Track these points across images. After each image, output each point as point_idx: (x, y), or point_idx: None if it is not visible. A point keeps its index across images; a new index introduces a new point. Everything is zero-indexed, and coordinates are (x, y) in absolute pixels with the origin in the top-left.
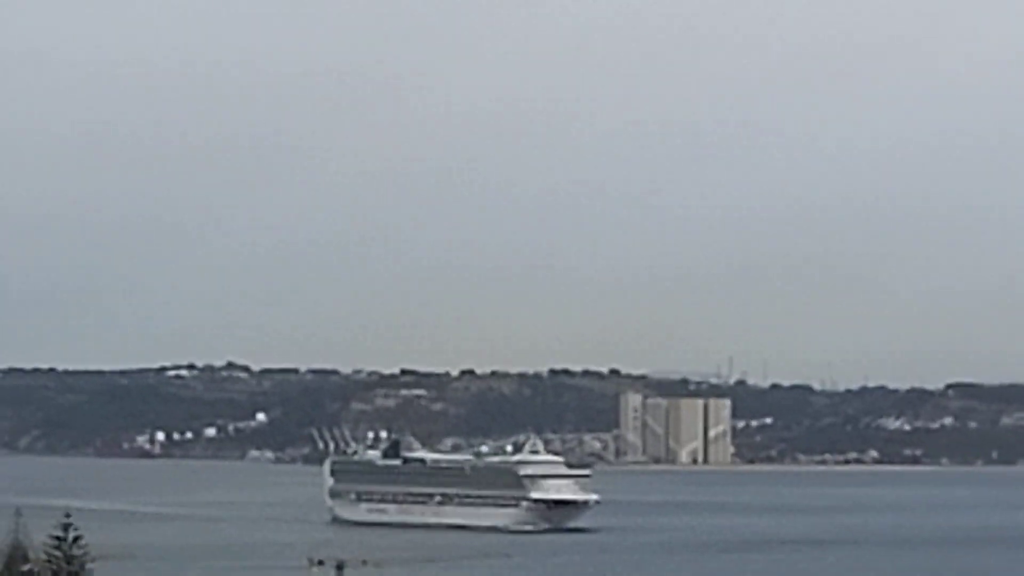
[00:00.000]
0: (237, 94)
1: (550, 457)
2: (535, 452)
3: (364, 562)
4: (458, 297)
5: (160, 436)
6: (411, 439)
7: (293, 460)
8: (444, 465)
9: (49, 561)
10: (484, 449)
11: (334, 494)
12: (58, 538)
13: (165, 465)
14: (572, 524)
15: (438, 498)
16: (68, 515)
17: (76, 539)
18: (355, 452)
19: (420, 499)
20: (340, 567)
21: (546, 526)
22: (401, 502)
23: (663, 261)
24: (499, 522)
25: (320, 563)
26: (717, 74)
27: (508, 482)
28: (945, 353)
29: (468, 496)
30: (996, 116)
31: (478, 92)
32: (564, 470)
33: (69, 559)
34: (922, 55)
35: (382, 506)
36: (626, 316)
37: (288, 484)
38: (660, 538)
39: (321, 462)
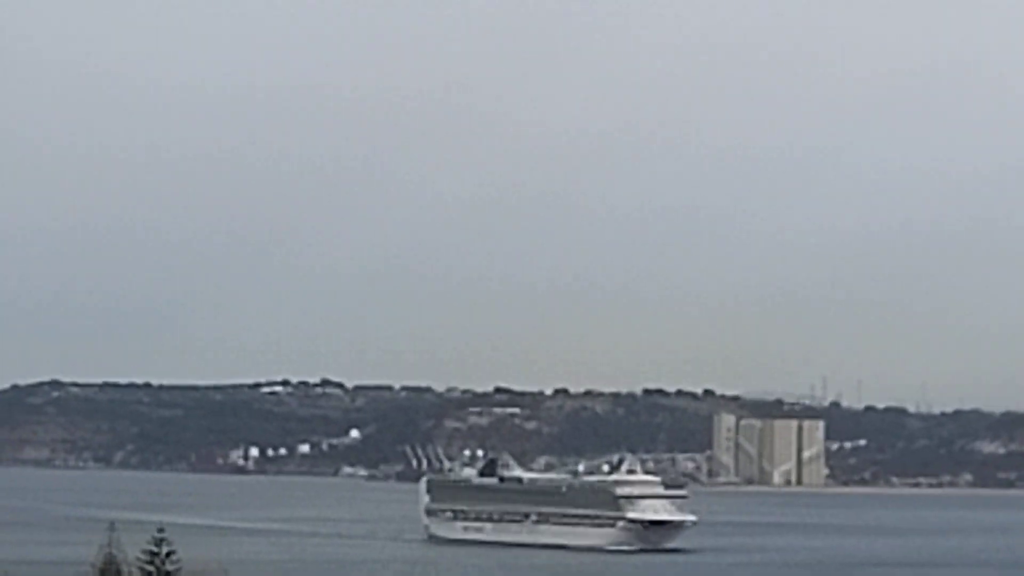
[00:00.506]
0: (333, 116)
1: (647, 477)
2: (632, 472)
3: None
4: (552, 316)
5: (254, 452)
6: (508, 457)
7: (386, 477)
8: (541, 484)
9: None
10: (580, 468)
11: (430, 512)
12: (151, 553)
13: (258, 481)
14: (669, 544)
15: (534, 517)
16: (161, 529)
17: (169, 554)
18: (451, 470)
19: (516, 518)
20: None
21: (643, 546)
22: (497, 520)
23: (758, 281)
24: (595, 542)
25: None
26: (815, 97)
27: (605, 502)
28: None
29: (565, 515)
30: None
31: (574, 114)
32: (661, 490)
33: (162, 574)
34: (996, 78)
35: (478, 524)
36: (720, 336)
37: (382, 501)
38: (756, 558)
39: (414, 479)
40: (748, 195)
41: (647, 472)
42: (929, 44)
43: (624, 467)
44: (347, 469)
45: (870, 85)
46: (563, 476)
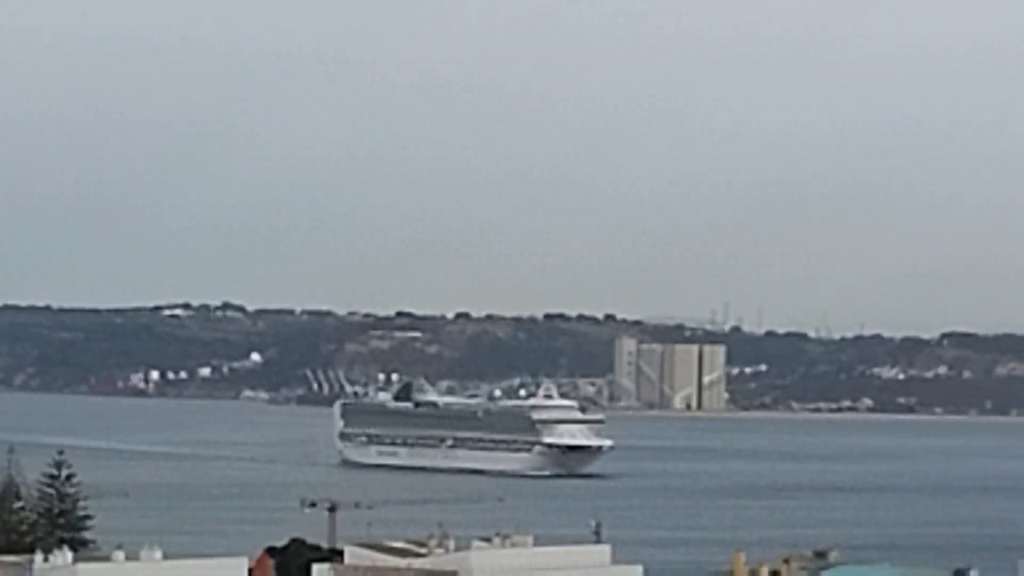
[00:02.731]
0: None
1: (564, 402)
2: (549, 396)
3: (356, 504)
4: (455, 240)
5: (154, 375)
6: (423, 382)
7: (287, 401)
8: (456, 409)
9: (42, 499)
10: (497, 393)
11: (344, 436)
12: (51, 476)
13: (159, 404)
14: (585, 470)
15: (450, 442)
16: (61, 452)
17: (69, 477)
18: (366, 394)
19: (432, 443)
20: (332, 508)
21: (559, 471)
22: (412, 445)
23: (659, 208)
24: (512, 467)
25: (312, 504)
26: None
27: (521, 427)
28: (940, 302)
29: (481, 440)
30: None
31: (430, 70)
32: (578, 415)
33: (62, 497)
34: (899, 30)
35: (393, 449)
36: (621, 261)
37: (286, 425)
38: (672, 483)
39: (316, 403)
40: (662, 98)
41: (564, 397)
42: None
43: (541, 392)
44: (248, 392)
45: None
46: (479, 400)
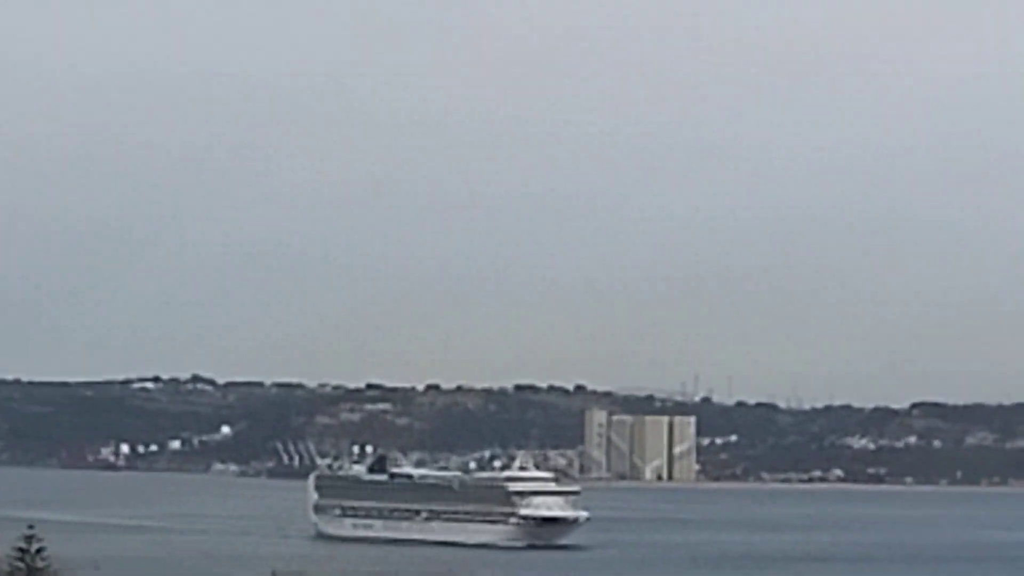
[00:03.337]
0: (195, 103)
1: (540, 473)
2: (524, 468)
3: None
4: (424, 312)
5: (124, 448)
6: (398, 454)
7: (258, 473)
8: (432, 481)
9: (11, 573)
10: (472, 465)
11: (319, 508)
12: (21, 550)
13: (129, 477)
14: (562, 541)
15: (425, 514)
16: (31, 526)
17: (39, 551)
18: (340, 467)
19: (407, 515)
20: None
21: (535, 543)
22: (387, 517)
23: (629, 276)
24: (488, 539)
25: None
26: (682, 85)
27: (497, 498)
28: (910, 372)
29: (456, 512)
30: (969, 130)
31: (444, 100)
32: (554, 487)
33: (32, 571)
34: (899, 64)
35: (368, 521)
36: (591, 332)
37: (257, 497)
38: (647, 553)
39: (286, 476)
40: (619, 187)
41: (538, 468)
42: (825, 25)
43: (516, 463)
44: (218, 465)
45: (747, 67)
46: (454, 473)
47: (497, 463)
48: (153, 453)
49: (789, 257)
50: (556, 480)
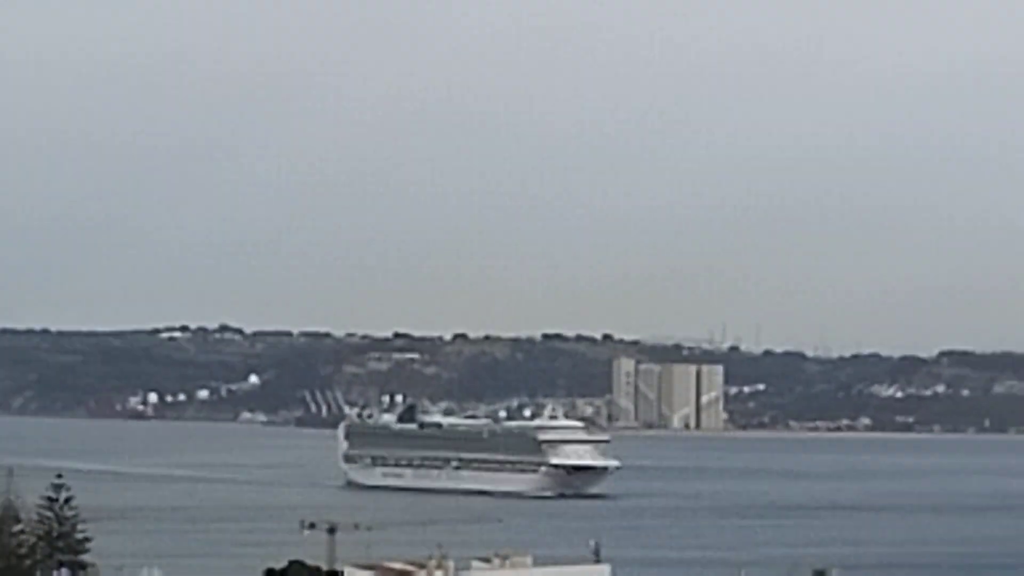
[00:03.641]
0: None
1: (570, 422)
2: (554, 417)
3: (356, 525)
4: (452, 261)
5: (153, 397)
6: (428, 403)
7: (286, 423)
8: (461, 430)
9: (41, 522)
10: (502, 414)
11: (349, 458)
12: (50, 499)
13: (158, 427)
14: (591, 490)
15: (455, 463)
16: (60, 476)
17: (68, 500)
18: (370, 416)
19: (437, 464)
20: (332, 530)
21: (565, 491)
22: (417, 466)
23: (655, 225)
24: (517, 488)
25: (312, 526)
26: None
27: (527, 447)
28: (938, 320)
29: (486, 461)
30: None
31: (465, 77)
32: (584, 435)
33: (61, 520)
34: (887, 50)
35: (398, 470)
36: (619, 281)
37: (287, 447)
38: (679, 503)
39: (314, 425)
40: (655, 128)
41: (575, 417)
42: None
43: (546, 412)
44: (246, 415)
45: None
46: (484, 421)
47: (527, 412)
48: (181, 402)
49: (814, 206)
50: (585, 429)
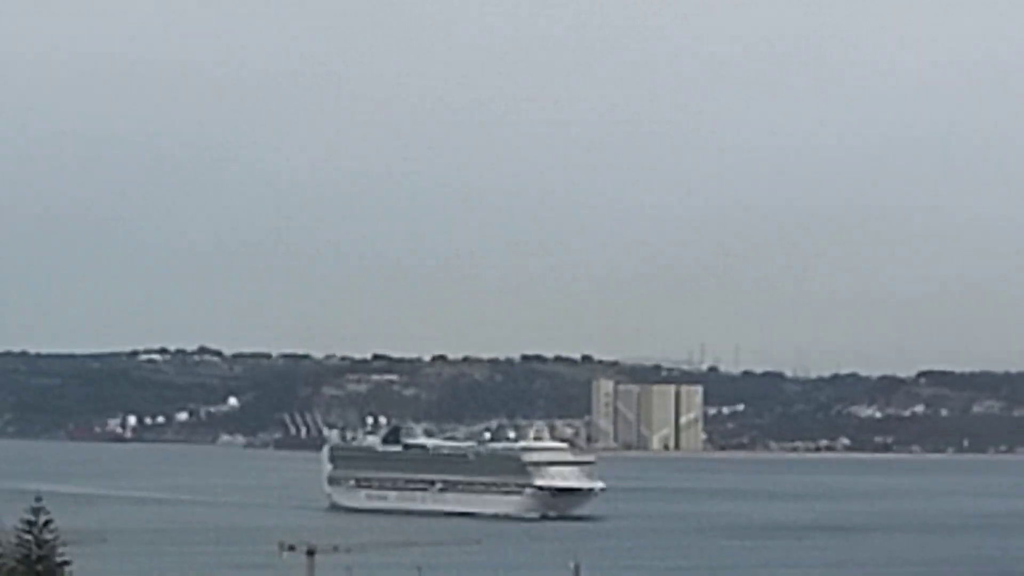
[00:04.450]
0: (186, 93)
1: (555, 444)
2: (540, 438)
3: (336, 548)
4: (431, 283)
5: (132, 420)
6: (412, 425)
7: (265, 445)
8: (446, 452)
9: (20, 545)
10: (487, 436)
11: (333, 480)
12: (29, 522)
13: (137, 449)
14: (576, 512)
15: (440, 485)
16: (39, 499)
17: (47, 523)
18: (354, 438)
19: (421, 486)
20: (311, 552)
21: (551, 513)
22: (402, 488)
23: (636, 247)
24: (503, 510)
25: (291, 548)
26: (689, 72)
27: (512, 469)
28: (917, 341)
29: (471, 483)
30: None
31: (444, 88)
32: (569, 457)
33: (40, 543)
34: (872, 55)
35: (382, 492)
36: (598, 302)
37: (267, 469)
38: (648, 524)
39: (293, 447)
40: (626, 163)
41: (555, 439)
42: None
43: (531, 434)
44: (225, 437)
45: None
46: (469, 443)
47: (512, 434)
48: (160, 425)
49: (797, 229)
50: (571, 450)
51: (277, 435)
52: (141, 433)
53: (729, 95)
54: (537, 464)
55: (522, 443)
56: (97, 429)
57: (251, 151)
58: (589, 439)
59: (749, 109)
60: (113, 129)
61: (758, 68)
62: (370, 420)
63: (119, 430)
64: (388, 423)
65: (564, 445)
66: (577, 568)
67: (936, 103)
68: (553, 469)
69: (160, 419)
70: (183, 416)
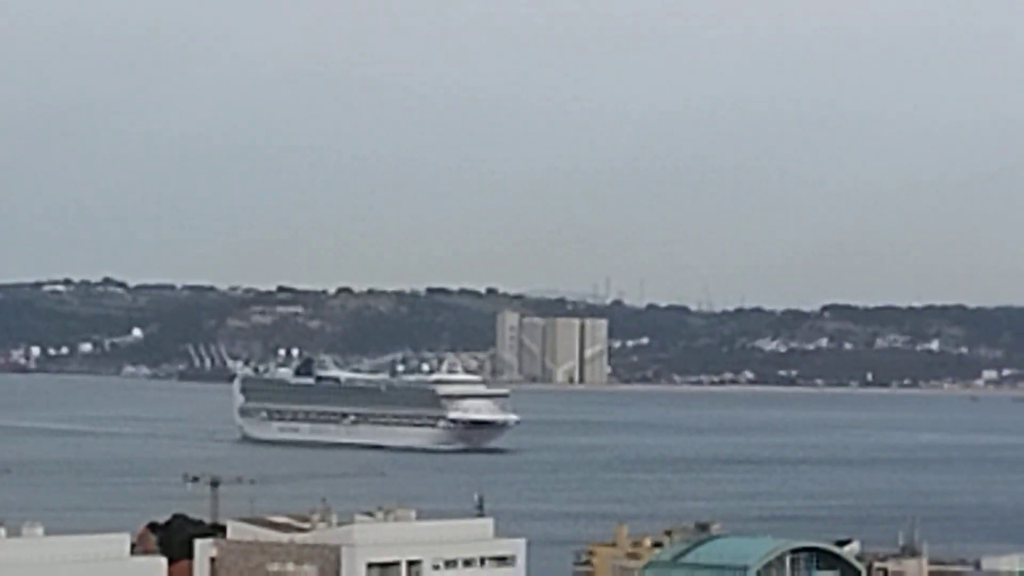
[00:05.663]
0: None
1: (469, 376)
2: (453, 371)
3: (240, 479)
4: (336, 214)
5: (35, 351)
6: (325, 357)
7: (169, 376)
8: (359, 384)
9: None
10: (400, 368)
11: (244, 412)
12: None
13: (40, 380)
14: (490, 444)
15: (352, 417)
16: None
17: None
18: (265, 369)
19: (334, 418)
20: (215, 483)
21: (464, 446)
22: (314, 421)
23: (539, 178)
24: (416, 442)
25: (195, 479)
26: None
27: (426, 401)
28: (821, 275)
29: (384, 415)
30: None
31: None
32: (483, 390)
33: None
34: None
35: (294, 425)
36: (503, 235)
37: (173, 400)
38: (553, 457)
39: (197, 378)
40: (531, 85)
41: (467, 371)
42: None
43: (445, 366)
44: (129, 368)
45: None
46: (382, 376)
47: (425, 366)
48: (64, 356)
49: (700, 159)
50: (485, 383)
51: (181, 367)
52: (44, 364)
53: (637, 51)
54: (451, 397)
55: (436, 375)
56: (0, 359)
57: (160, 102)
58: (494, 372)
59: (658, 64)
60: (23, 84)
61: (665, 28)
62: (281, 352)
63: (22, 361)
64: (300, 355)
65: (478, 378)
66: (481, 500)
67: (846, 62)
68: (467, 402)
69: (64, 350)
70: (87, 347)
